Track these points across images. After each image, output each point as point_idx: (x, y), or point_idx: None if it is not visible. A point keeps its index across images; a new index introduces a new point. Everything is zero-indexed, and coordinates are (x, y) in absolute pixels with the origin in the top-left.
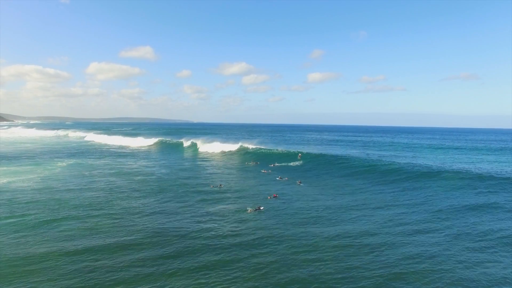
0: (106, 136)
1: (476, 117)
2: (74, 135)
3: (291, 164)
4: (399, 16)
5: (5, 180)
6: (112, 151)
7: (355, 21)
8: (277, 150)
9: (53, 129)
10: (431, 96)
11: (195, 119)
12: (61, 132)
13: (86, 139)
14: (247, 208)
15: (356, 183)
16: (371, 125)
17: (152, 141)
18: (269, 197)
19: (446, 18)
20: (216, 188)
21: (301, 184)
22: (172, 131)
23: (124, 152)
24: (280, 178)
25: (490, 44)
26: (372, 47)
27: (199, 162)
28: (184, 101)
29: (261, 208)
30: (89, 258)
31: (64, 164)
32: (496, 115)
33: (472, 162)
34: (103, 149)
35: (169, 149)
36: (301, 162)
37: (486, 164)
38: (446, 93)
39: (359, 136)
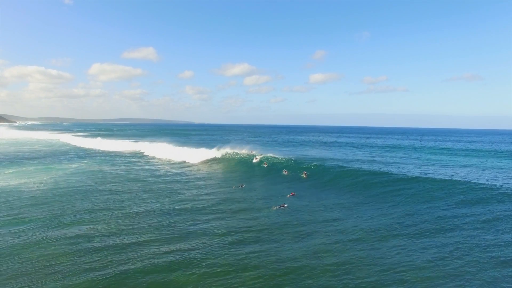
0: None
1: (479, 118)
2: (51, 137)
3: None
4: (402, 17)
5: None
6: (93, 154)
7: (358, 21)
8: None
9: (37, 130)
10: (433, 97)
11: (197, 120)
12: (38, 134)
13: (61, 140)
14: (272, 206)
15: (360, 188)
16: (373, 126)
17: (147, 144)
18: (288, 196)
19: (449, 19)
20: (238, 188)
21: (306, 176)
22: (173, 132)
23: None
24: (286, 172)
25: (493, 44)
26: (374, 47)
27: (204, 164)
28: (186, 102)
29: (285, 205)
30: (99, 259)
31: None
32: (499, 116)
33: (483, 167)
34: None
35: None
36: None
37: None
38: (448, 93)
39: (361, 137)
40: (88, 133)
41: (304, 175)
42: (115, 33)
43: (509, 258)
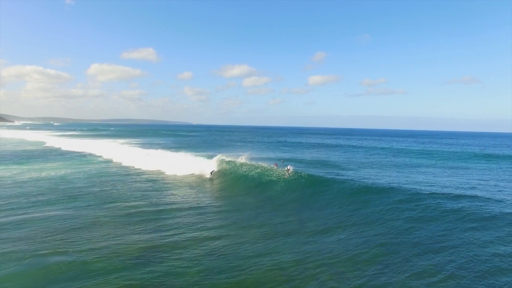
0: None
1: (476, 120)
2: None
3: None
4: (403, 20)
5: None
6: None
7: (359, 24)
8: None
9: (22, 129)
10: (432, 100)
11: (195, 121)
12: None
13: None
14: (285, 173)
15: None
16: (371, 128)
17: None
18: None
19: (449, 22)
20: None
21: (276, 165)
22: (173, 133)
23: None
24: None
25: (491, 48)
26: (374, 50)
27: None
28: (184, 103)
29: (290, 167)
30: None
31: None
32: (497, 119)
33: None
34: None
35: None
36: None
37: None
38: (447, 96)
39: (359, 139)
40: (68, 133)
41: (287, 171)
42: (115, 33)
43: None
